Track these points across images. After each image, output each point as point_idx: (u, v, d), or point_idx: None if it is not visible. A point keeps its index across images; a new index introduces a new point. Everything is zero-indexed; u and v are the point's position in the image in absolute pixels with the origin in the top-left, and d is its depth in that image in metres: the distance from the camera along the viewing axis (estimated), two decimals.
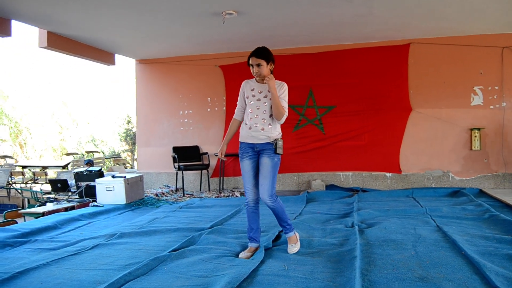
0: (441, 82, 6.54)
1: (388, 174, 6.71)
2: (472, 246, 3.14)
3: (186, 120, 7.62)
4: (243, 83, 3.18)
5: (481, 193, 5.97)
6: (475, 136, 6.36)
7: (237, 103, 3.19)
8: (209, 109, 7.50)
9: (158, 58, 7.68)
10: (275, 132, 3.09)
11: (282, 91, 3.05)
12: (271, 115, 3.06)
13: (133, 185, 5.97)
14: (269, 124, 3.06)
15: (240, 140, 3.17)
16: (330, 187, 6.80)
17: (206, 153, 7.43)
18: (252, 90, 3.10)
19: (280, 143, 3.06)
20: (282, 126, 3.23)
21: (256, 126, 3.05)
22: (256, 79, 3.12)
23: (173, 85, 7.68)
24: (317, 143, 6.97)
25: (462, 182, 6.46)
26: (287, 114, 3.04)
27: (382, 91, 6.72)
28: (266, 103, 3.05)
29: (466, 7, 5.09)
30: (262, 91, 3.07)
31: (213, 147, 7.45)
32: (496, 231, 3.68)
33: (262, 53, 3.03)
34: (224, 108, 7.36)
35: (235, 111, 3.20)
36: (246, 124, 3.11)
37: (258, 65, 3.01)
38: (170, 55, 7.51)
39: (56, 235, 4.04)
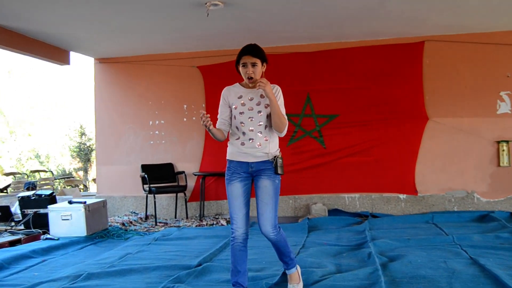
0: (462, 86, 6.68)
1: (402, 196, 6.77)
2: None
3: (157, 132, 7.60)
4: (224, 90, 3.16)
5: None
6: (503, 150, 6.46)
7: (218, 116, 3.15)
8: (185, 119, 7.51)
9: (123, 56, 7.66)
10: (274, 147, 3.09)
11: (279, 96, 3.06)
12: (267, 127, 3.06)
13: (95, 213, 5.85)
14: (266, 137, 3.06)
15: (228, 158, 3.12)
16: (333, 212, 6.84)
17: (183, 172, 7.39)
18: (240, 97, 3.08)
19: (280, 161, 3.05)
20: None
21: (251, 141, 3.04)
22: (243, 83, 3.12)
23: (142, 90, 7.68)
24: (316, 159, 7.01)
25: (490, 205, 6.53)
26: (287, 124, 3.05)
27: (393, 97, 6.83)
28: (262, 113, 3.04)
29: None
30: (253, 97, 3.07)
31: (191, 164, 7.42)
32: None
33: (259, 51, 3.04)
34: None
35: (217, 124, 3.13)
36: (237, 139, 3.09)
37: (254, 64, 3.01)
38: (138, 53, 7.52)
39: (3, 278, 3.88)
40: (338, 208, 6.89)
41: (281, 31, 6.37)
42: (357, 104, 6.92)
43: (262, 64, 3.05)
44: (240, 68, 3.05)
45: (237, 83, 3.15)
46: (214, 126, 3.01)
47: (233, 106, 3.07)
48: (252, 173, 3.05)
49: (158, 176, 7.29)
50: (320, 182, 6.99)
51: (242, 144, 3.05)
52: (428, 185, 6.72)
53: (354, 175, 6.90)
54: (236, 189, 3.03)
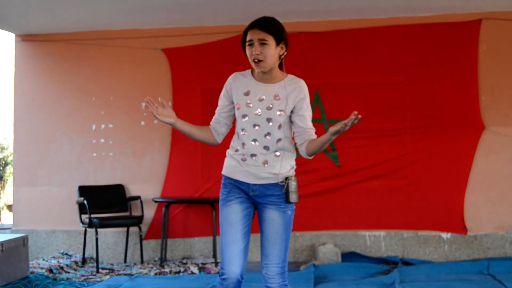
0: None
1: (445, 235, 6.76)
2: None
3: (103, 140, 7.54)
4: (230, 78, 3.22)
5: None
6: None
7: (216, 110, 3.27)
8: (143, 122, 7.48)
9: (57, 33, 7.63)
10: (286, 165, 3.14)
11: (304, 100, 3.16)
12: (280, 140, 3.12)
13: (11, 254, 5.71)
14: (276, 153, 3.12)
15: (224, 173, 3.24)
16: (349, 256, 6.78)
17: (137, 197, 7.32)
18: (247, 94, 3.14)
19: (294, 185, 3.10)
20: None
21: (254, 157, 3.12)
22: (255, 74, 3.17)
23: (82, 81, 7.65)
24: (326, 183, 7.00)
25: None
26: None
27: (436, 97, 6.84)
28: (273, 120, 3.10)
29: None
30: (265, 97, 3.12)
31: (149, 187, 7.39)
32: None
33: (271, 23, 3.10)
34: None
35: (212, 121, 3.28)
36: (236, 151, 3.18)
37: (262, 42, 3.05)
38: (78, 28, 7.49)
39: None
40: (356, 251, 6.86)
41: (280, 2, 6.34)
42: (384, 106, 6.92)
43: (278, 44, 3.08)
44: (247, 49, 3.10)
45: (249, 71, 3.21)
46: (196, 121, 3.09)
47: (236, 105, 3.15)
48: (254, 199, 3.15)
49: (103, 203, 7.27)
50: (331, 214, 6.98)
51: (244, 159, 3.14)
52: (482, 221, 6.69)
53: (378, 205, 6.89)
54: (233, 212, 3.12)
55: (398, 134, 6.89)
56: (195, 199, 7.17)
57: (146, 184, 7.42)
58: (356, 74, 7.01)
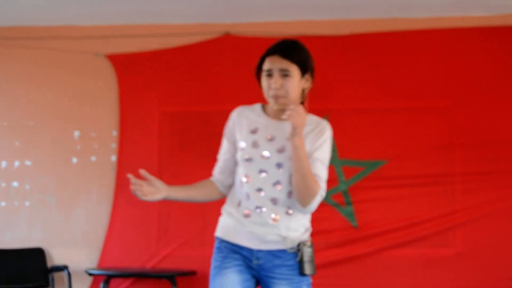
0: None
1: None
2: None
3: (16, 183, 7.44)
4: (235, 112, 3.34)
5: None
6: None
7: (219, 155, 3.39)
8: (76, 159, 7.41)
9: None
10: (299, 227, 3.21)
11: (321, 142, 3.18)
12: (291, 192, 3.17)
13: None
14: (288, 209, 3.17)
15: (220, 235, 3.28)
16: None
17: (64, 267, 7.11)
18: (254, 132, 3.22)
19: (309, 251, 3.18)
20: None
21: (260, 211, 3.17)
22: (267, 108, 3.29)
23: None
24: (337, 250, 6.92)
25: None
26: (324, 195, 3.17)
27: (498, 130, 6.82)
28: (283, 167, 3.18)
29: None
30: (275, 137, 3.20)
31: (81, 252, 7.28)
32: None
33: (295, 49, 3.20)
34: (114, 156, 7.36)
35: (214, 169, 3.39)
36: (238, 205, 3.22)
37: (285, 73, 3.11)
38: None
39: None
40: None
41: None
42: (423, 142, 6.86)
43: (303, 76, 3.17)
44: (262, 79, 3.19)
45: (259, 105, 3.32)
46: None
47: (240, 145, 3.25)
48: (258, 271, 3.21)
49: (13, 275, 7.20)
50: None
51: (246, 215, 3.20)
52: None
53: (413, 282, 6.79)
54: (229, 283, 3.19)
55: (442, 183, 6.81)
56: (148, 271, 7.07)
57: (76, 248, 7.33)
58: (383, 97, 6.96)
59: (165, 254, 7.02)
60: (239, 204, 3.22)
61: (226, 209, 3.30)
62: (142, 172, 3.09)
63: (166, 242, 7.06)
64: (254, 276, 3.23)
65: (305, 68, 3.17)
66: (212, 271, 3.25)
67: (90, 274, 7.04)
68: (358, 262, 6.83)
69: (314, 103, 6.80)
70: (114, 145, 7.34)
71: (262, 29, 7.13)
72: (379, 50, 7.00)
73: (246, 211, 3.19)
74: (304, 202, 3.11)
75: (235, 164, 3.31)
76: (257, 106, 3.32)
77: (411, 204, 6.81)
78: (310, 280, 3.21)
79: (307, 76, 3.19)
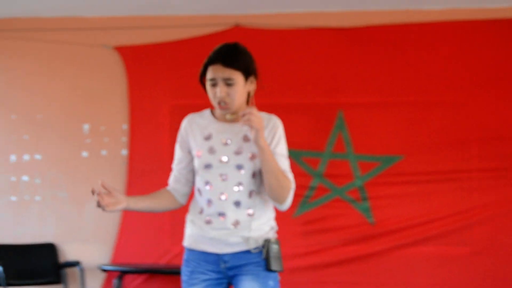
0: None
1: None
2: None
3: (26, 177, 7.44)
4: (184, 122, 3.39)
5: None
6: None
7: (173, 164, 3.43)
8: (86, 153, 7.41)
9: None
10: (263, 225, 3.27)
11: (278, 137, 3.29)
12: (252, 192, 3.26)
13: None
14: (250, 210, 3.24)
15: (186, 245, 3.36)
16: None
17: (76, 263, 7.18)
18: (208, 138, 3.28)
19: (276, 248, 3.23)
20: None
21: (221, 217, 3.23)
22: (216, 112, 3.33)
23: None
24: (353, 247, 6.96)
25: None
26: (294, 187, 3.20)
27: None
28: (244, 168, 3.25)
29: None
30: (231, 140, 3.27)
31: (94, 248, 7.30)
32: None
33: (235, 56, 3.23)
34: (125, 150, 7.34)
35: (170, 179, 3.45)
36: (200, 213, 3.29)
37: (228, 82, 3.17)
38: None
39: None
40: None
41: None
42: (437, 137, 6.88)
43: (247, 78, 3.23)
44: (207, 87, 3.23)
45: (208, 110, 3.36)
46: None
47: (195, 153, 3.28)
48: (226, 273, 3.25)
49: (25, 271, 7.20)
50: None
51: (208, 222, 3.24)
52: None
53: (430, 280, 6.79)
54: None
55: (459, 179, 6.83)
56: (162, 267, 7.10)
57: (89, 244, 7.38)
58: (397, 90, 6.99)
59: (179, 250, 6.75)
60: (201, 211, 3.26)
61: (189, 217, 3.35)
62: (103, 183, 3.10)
63: (179, 238, 6.88)
64: (225, 278, 3.28)
65: (248, 72, 3.22)
66: (182, 286, 3.33)
67: (104, 270, 7.12)
68: (374, 259, 6.87)
69: (329, 96, 6.87)
70: (124, 139, 7.39)
71: (272, 20, 7.18)
72: (392, 43, 7.01)
73: (208, 218, 3.24)
74: (280, 199, 3.18)
75: (190, 172, 3.37)
76: (207, 112, 3.35)
77: (428, 201, 6.83)
78: (278, 277, 3.26)
79: (251, 78, 3.24)
